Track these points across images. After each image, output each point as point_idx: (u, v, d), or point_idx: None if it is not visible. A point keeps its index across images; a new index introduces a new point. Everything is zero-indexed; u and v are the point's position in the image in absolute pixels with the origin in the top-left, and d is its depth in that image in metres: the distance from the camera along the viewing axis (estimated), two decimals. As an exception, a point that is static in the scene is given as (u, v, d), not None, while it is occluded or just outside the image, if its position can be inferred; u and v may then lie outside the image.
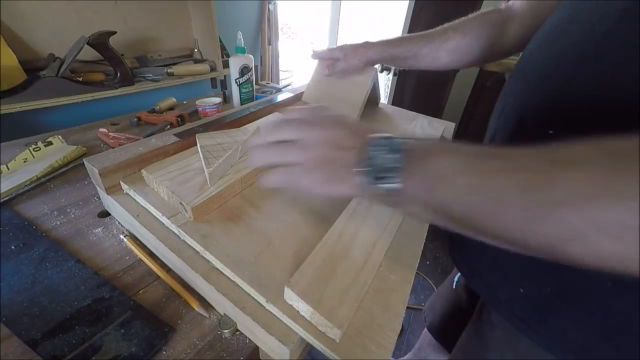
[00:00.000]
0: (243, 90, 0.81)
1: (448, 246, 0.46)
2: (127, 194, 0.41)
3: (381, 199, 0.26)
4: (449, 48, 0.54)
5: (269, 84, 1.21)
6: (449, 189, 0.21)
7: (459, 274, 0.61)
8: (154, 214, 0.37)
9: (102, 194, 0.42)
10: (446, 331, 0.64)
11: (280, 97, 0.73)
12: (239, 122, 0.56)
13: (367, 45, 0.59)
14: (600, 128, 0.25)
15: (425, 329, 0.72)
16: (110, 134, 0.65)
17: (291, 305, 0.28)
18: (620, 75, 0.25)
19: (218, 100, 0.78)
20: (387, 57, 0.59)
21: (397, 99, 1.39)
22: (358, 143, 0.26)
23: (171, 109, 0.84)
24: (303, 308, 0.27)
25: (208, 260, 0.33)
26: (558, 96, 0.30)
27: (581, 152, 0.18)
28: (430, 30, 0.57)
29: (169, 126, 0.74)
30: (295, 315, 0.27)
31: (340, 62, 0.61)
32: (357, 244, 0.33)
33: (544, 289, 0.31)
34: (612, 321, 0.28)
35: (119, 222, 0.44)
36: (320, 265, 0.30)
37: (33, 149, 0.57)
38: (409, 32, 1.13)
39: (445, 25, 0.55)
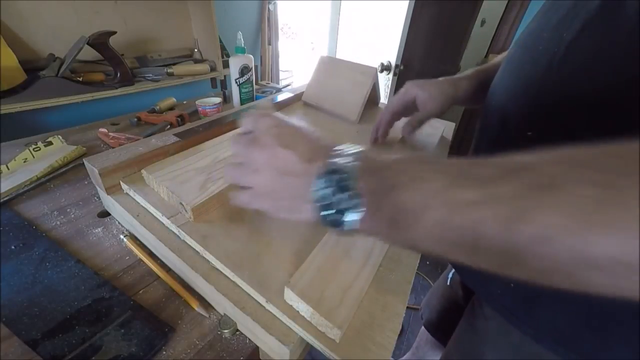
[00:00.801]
0: (243, 90, 0.81)
1: None
2: (127, 194, 0.41)
3: (342, 232, 0.23)
4: None
5: (269, 84, 1.21)
6: (414, 225, 0.19)
7: (452, 270, 0.62)
8: (154, 214, 0.37)
9: (102, 194, 0.42)
10: (443, 327, 0.64)
11: (280, 97, 0.73)
12: (238, 122, 0.56)
13: (450, 82, 0.47)
14: (568, 131, 0.27)
15: (423, 327, 0.72)
16: (110, 134, 0.65)
17: (291, 306, 0.28)
18: (581, 81, 0.26)
19: (218, 100, 0.78)
20: (471, 94, 0.47)
21: (397, 98, 1.39)
22: (308, 170, 0.23)
23: (171, 109, 0.84)
24: (303, 308, 0.27)
25: (208, 260, 0.33)
26: (532, 99, 0.31)
27: (562, 172, 0.15)
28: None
29: (169, 126, 0.74)
30: (295, 315, 0.27)
31: (421, 111, 0.48)
32: (357, 244, 0.33)
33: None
34: (596, 310, 0.29)
35: (119, 222, 0.44)
36: (320, 265, 0.30)
37: (33, 149, 0.57)
38: (408, 32, 1.13)
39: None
